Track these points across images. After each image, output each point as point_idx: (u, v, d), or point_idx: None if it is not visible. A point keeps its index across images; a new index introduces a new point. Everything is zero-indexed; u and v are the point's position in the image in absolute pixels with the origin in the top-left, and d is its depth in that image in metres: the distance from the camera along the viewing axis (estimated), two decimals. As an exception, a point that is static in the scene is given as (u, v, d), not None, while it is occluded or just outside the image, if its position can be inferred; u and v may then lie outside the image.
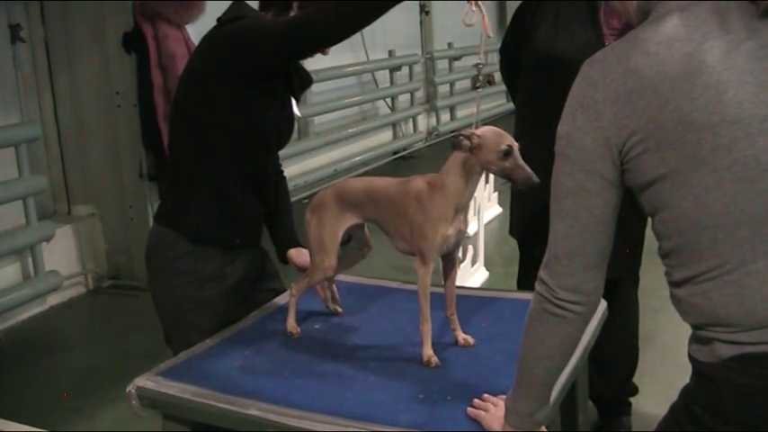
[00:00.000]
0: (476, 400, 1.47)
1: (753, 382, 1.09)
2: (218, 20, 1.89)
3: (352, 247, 1.92)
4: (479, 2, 1.86)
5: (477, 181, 1.66)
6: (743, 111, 1.08)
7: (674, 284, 1.17)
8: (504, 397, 1.39)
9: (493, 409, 1.42)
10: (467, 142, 1.59)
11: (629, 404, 2.69)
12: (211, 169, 1.88)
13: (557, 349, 1.25)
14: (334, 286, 2.03)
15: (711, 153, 1.08)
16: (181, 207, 1.92)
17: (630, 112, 1.11)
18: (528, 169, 1.56)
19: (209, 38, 1.88)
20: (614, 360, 2.55)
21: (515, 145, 1.58)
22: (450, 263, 1.76)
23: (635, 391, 2.70)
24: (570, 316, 1.21)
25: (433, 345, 1.70)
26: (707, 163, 1.09)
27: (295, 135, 7.91)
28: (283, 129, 1.99)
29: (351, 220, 1.80)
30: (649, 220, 1.21)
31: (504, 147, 1.56)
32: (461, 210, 1.67)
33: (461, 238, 1.72)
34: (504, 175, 1.59)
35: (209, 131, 1.87)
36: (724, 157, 1.08)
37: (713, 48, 1.10)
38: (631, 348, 2.62)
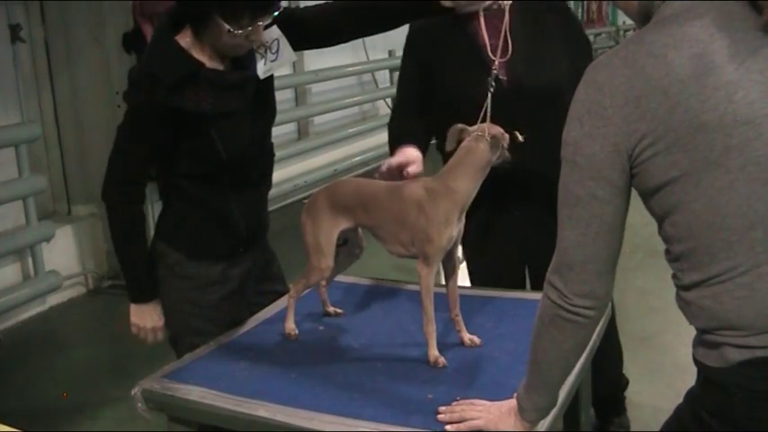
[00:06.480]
0: (443, 409, 1.46)
1: (764, 386, 1.08)
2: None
3: (346, 249, 1.94)
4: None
5: (483, 179, 1.70)
6: (754, 111, 1.06)
7: (683, 288, 1.16)
8: (475, 401, 1.45)
9: (485, 413, 1.41)
10: (487, 138, 1.66)
11: (624, 399, 2.71)
12: (188, 195, 1.87)
13: (572, 351, 1.27)
14: (325, 291, 2.03)
15: (724, 154, 1.07)
16: (175, 229, 1.92)
17: (640, 115, 1.09)
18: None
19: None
20: (603, 360, 2.57)
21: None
22: (450, 263, 1.77)
23: (626, 383, 2.72)
24: (584, 321, 1.21)
25: (439, 345, 1.70)
26: (719, 164, 1.07)
27: (295, 135, 7.81)
28: (232, 147, 1.82)
29: (344, 224, 1.81)
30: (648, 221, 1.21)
31: (507, 139, 1.68)
32: (465, 210, 1.69)
33: (460, 237, 1.74)
34: (499, 164, 1.70)
35: (166, 165, 1.86)
36: (737, 158, 1.07)
37: (722, 48, 1.08)
38: (615, 345, 2.65)
